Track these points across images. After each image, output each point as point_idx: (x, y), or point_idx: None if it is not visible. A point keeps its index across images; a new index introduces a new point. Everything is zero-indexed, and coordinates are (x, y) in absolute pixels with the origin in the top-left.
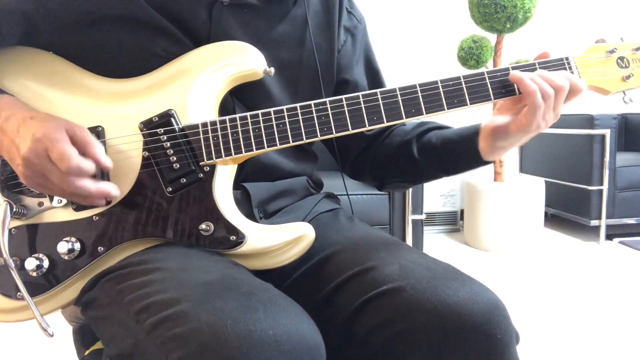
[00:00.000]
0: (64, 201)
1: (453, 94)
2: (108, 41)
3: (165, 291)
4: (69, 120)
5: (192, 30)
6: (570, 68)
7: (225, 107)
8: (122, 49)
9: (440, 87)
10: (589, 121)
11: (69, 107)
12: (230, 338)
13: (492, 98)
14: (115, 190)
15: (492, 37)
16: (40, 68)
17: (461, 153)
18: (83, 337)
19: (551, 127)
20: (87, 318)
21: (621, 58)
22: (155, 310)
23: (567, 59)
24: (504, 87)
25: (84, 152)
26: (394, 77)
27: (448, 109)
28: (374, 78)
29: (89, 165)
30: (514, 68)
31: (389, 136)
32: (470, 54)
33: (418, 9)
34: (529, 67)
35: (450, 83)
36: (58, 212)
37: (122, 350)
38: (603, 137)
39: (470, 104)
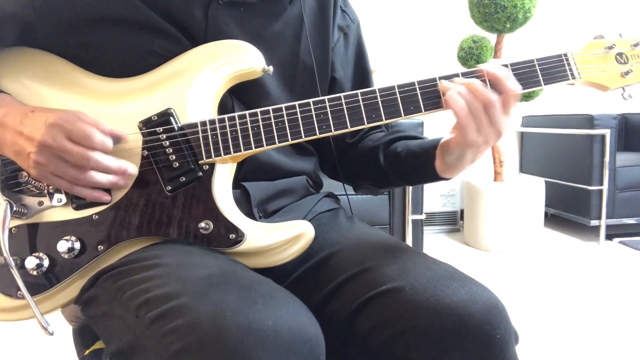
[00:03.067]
0: (64, 200)
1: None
2: (105, 41)
3: (164, 286)
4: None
5: (188, 28)
6: (569, 64)
7: (224, 106)
8: (119, 49)
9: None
10: (589, 121)
11: (68, 106)
12: (229, 329)
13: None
14: (132, 167)
15: (492, 37)
16: (39, 68)
17: (419, 167)
18: (83, 337)
19: (551, 127)
20: (87, 317)
21: (620, 54)
22: (154, 305)
23: (565, 55)
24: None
25: (93, 124)
26: (394, 77)
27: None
28: (363, 78)
29: (109, 140)
30: (464, 74)
31: (363, 140)
32: (470, 54)
33: (418, 9)
34: (476, 75)
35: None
36: (58, 212)
37: (122, 346)
38: (603, 137)
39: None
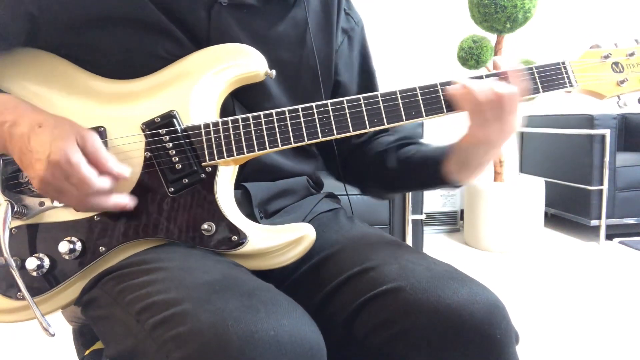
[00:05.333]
0: None
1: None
2: (110, 42)
3: (166, 291)
4: (76, 125)
5: (191, 30)
6: (566, 72)
7: (226, 108)
8: (124, 50)
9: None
10: (589, 121)
11: (71, 108)
12: (231, 339)
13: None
14: (131, 202)
15: (492, 37)
16: (42, 69)
17: (431, 169)
18: (83, 337)
19: (551, 127)
20: (87, 318)
21: (615, 63)
22: (156, 311)
23: (563, 63)
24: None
25: (94, 163)
26: (394, 77)
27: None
28: (368, 81)
29: (106, 184)
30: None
31: (372, 143)
32: (470, 54)
33: (418, 9)
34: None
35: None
36: (59, 212)
37: (122, 350)
38: (603, 137)
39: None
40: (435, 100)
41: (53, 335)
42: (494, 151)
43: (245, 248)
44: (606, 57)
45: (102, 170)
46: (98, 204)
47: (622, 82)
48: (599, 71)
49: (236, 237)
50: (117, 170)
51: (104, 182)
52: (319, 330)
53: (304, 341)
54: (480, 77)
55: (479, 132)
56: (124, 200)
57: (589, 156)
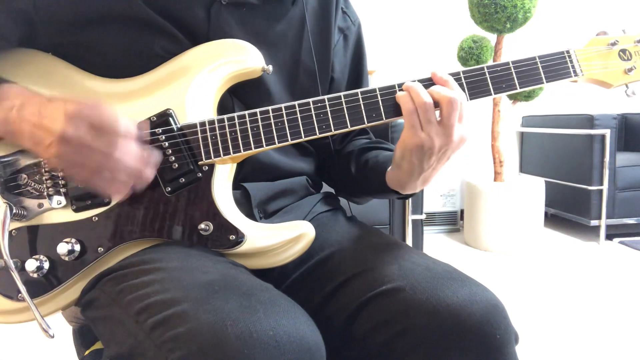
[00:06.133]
0: (64, 202)
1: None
2: (107, 41)
3: (165, 291)
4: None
5: (190, 29)
6: (571, 61)
7: (225, 106)
8: (121, 49)
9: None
10: (589, 121)
11: None
12: (230, 339)
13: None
14: (158, 155)
15: (492, 37)
16: (39, 69)
17: (378, 176)
18: (83, 337)
19: (551, 127)
20: (87, 318)
21: (623, 50)
22: (155, 311)
23: (568, 52)
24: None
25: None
26: (395, 77)
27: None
28: (357, 80)
29: (132, 126)
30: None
31: (347, 145)
32: (470, 54)
33: (418, 9)
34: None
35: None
36: (58, 214)
37: (121, 351)
38: (603, 137)
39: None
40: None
41: (53, 337)
42: (430, 159)
43: (244, 247)
44: (613, 44)
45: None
46: (128, 148)
47: (630, 70)
48: (606, 59)
49: (234, 236)
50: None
51: (130, 125)
52: (317, 330)
53: (303, 341)
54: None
55: (409, 134)
56: (154, 154)
57: (589, 156)
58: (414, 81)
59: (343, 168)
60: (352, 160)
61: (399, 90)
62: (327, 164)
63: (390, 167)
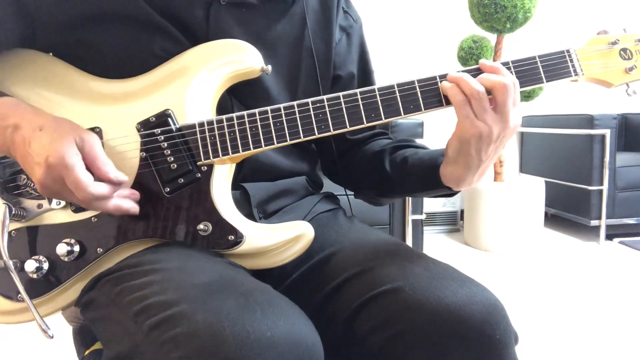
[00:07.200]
0: (63, 203)
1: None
2: (106, 41)
3: (163, 292)
4: (77, 126)
5: (190, 29)
6: (571, 60)
7: (224, 107)
8: (120, 50)
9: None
10: (589, 121)
11: (67, 108)
12: (227, 339)
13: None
14: (134, 207)
15: (492, 37)
16: (38, 70)
17: (426, 172)
18: (83, 337)
19: (551, 127)
20: (86, 319)
21: (624, 49)
22: (153, 312)
23: (568, 51)
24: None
25: (91, 166)
26: (394, 77)
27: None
28: (365, 79)
29: (103, 190)
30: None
31: (369, 144)
32: (470, 54)
33: (418, 9)
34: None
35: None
36: (57, 214)
37: (120, 351)
38: (603, 137)
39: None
40: (434, 93)
41: (52, 337)
42: (488, 148)
43: (243, 247)
44: (614, 43)
45: (98, 175)
46: (98, 207)
47: (631, 69)
48: (606, 58)
49: (233, 237)
50: (113, 175)
51: (100, 188)
52: (315, 330)
53: (301, 342)
54: (477, 70)
55: (465, 125)
56: (127, 205)
57: (589, 156)
58: (459, 72)
59: (372, 168)
60: (385, 158)
61: (441, 80)
62: (340, 166)
63: (443, 163)
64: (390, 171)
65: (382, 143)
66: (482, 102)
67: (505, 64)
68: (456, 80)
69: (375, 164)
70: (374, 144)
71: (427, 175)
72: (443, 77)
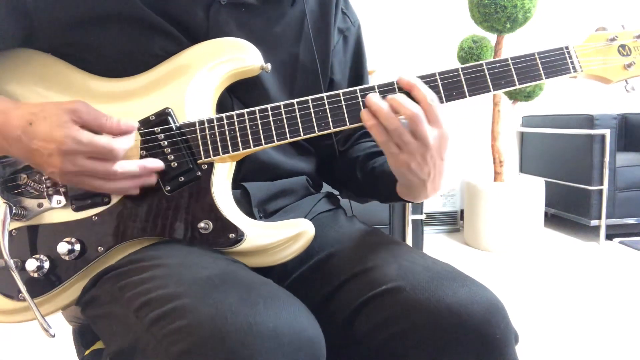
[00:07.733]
0: (63, 202)
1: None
2: (106, 41)
3: (165, 287)
4: (60, 104)
5: (189, 30)
6: (570, 57)
7: (224, 105)
8: (120, 49)
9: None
10: (589, 121)
11: None
12: (230, 331)
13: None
14: (154, 162)
15: (492, 37)
16: (37, 69)
17: (388, 186)
18: (83, 337)
19: (551, 127)
20: (87, 317)
21: (622, 46)
22: (155, 306)
23: (567, 48)
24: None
25: (100, 128)
26: (394, 77)
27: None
28: (357, 82)
29: (126, 144)
30: (379, 87)
31: (353, 147)
32: (470, 54)
33: (418, 8)
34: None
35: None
36: (58, 213)
37: (122, 347)
38: (603, 137)
39: None
40: (435, 91)
41: (53, 336)
42: (423, 170)
43: (243, 245)
44: (612, 39)
45: (109, 130)
46: (127, 170)
47: (630, 65)
48: (605, 55)
49: (234, 235)
50: (123, 125)
51: (123, 143)
52: (317, 323)
53: (303, 333)
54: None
55: (392, 161)
56: (152, 164)
57: (589, 156)
58: (375, 91)
59: (349, 172)
60: (357, 166)
61: (399, 87)
62: (330, 165)
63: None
64: (361, 179)
65: (362, 147)
66: (402, 137)
67: (504, 60)
68: (376, 113)
69: (351, 170)
70: (355, 148)
71: (388, 189)
72: (442, 73)
